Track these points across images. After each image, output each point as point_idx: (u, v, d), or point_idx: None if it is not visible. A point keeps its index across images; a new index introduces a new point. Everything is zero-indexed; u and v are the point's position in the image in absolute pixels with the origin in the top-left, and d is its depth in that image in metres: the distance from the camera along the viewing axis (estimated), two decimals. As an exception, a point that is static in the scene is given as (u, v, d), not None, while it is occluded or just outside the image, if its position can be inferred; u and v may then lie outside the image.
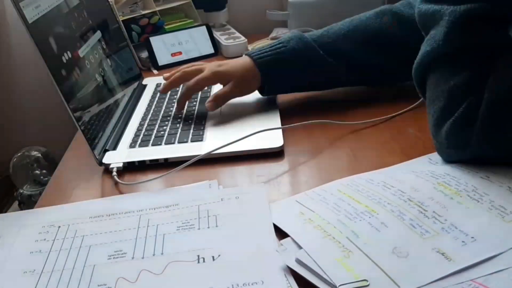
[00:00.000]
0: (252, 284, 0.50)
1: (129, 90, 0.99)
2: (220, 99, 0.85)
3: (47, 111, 1.45)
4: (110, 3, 1.06)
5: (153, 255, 0.56)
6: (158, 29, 1.25)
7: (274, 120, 0.82)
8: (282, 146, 0.74)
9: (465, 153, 0.60)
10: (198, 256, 0.55)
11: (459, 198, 0.55)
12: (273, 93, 0.89)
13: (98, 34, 0.93)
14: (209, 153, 0.72)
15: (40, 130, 1.51)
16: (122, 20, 1.17)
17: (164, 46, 1.20)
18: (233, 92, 0.86)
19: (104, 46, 0.94)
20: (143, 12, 1.24)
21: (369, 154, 0.72)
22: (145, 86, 1.06)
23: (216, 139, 0.79)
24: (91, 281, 0.53)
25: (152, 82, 1.07)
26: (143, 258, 0.56)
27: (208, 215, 0.61)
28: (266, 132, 0.77)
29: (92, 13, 0.93)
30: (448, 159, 0.63)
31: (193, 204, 0.64)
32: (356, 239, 0.51)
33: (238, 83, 0.85)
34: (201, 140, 0.79)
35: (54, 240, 0.61)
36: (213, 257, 0.54)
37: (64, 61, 0.76)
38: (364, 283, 0.45)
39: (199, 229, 0.59)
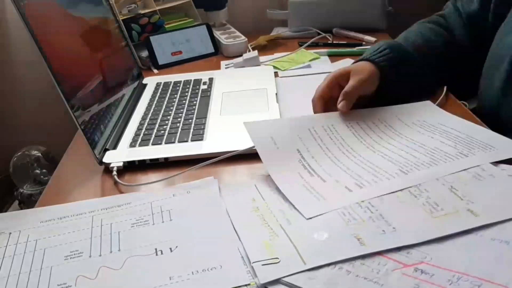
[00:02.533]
0: (211, 269, 0.51)
1: (129, 90, 0.99)
2: (351, 95, 0.77)
3: (47, 111, 1.45)
4: (110, 2, 1.06)
5: (111, 252, 0.56)
6: (158, 28, 1.25)
7: (274, 118, 0.82)
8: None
9: None
10: (156, 249, 0.55)
11: (400, 192, 0.59)
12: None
13: (99, 33, 0.93)
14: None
15: (40, 130, 1.50)
16: (122, 19, 1.17)
17: (164, 45, 1.20)
18: (361, 86, 0.78)
19: (105, 45, 0.94)
20: (143, 12, 1.24)
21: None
22: (145, 85, 1.05)
23: (217, 138, 0.79)
24: (50, 282, 0.53)
25: (152, 81, 1.07)
26: (100, 255, 0.56)
27: (161, 211, 0.62)
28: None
29: (93, 12, 0.93)
30: None
31: (145, 201, 0.64)
32: (288, 225, 0.56)
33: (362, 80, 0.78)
34: (202, 139, 0.79)
35: (6, 246, 0.59)
36: (170, 248, 0.55)
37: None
38: (275, 260, 0.50)
39: (153, 224, 0.60)
